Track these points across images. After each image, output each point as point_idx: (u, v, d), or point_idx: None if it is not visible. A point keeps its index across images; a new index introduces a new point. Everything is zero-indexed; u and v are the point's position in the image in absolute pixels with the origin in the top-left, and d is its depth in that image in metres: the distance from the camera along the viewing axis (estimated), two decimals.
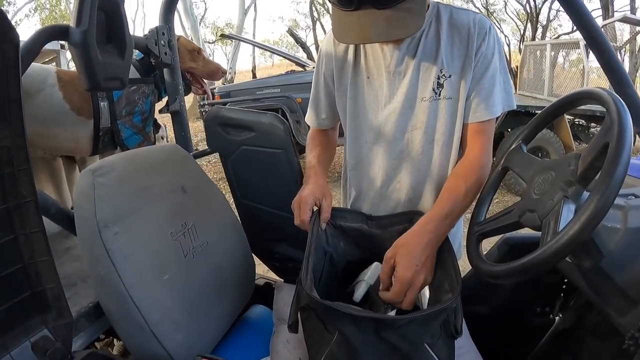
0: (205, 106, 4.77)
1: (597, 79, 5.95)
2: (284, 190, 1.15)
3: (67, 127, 1.47)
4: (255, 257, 1.29)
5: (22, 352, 0.66)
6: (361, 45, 0.98)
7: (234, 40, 10.01)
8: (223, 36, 6.86)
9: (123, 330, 0.88)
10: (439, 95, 0.92)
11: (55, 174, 1.73)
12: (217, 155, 1.32)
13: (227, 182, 1.37)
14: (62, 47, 3.15)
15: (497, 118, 0.94)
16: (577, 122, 5.12)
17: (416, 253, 0.78)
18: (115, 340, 1.26)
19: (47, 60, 4.04)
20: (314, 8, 15.41)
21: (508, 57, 11.48)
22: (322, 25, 16.16)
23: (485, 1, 14.77)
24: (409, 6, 0.77)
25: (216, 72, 1.69)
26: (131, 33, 1.01)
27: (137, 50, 1.43)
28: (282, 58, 5.87)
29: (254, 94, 4.89)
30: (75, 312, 0.92)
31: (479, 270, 0.72)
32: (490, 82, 0.90)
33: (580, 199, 0.63)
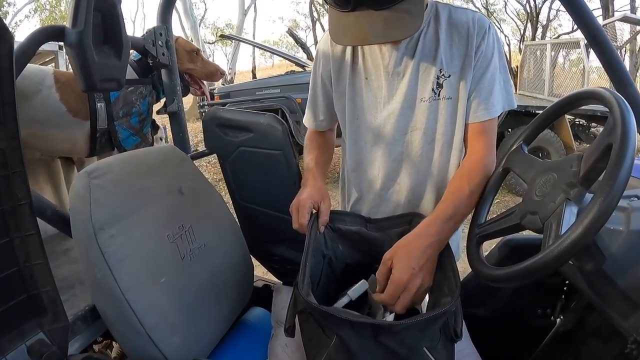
0: (205, 107, 4.78)
1: (597, 79, 5.94)
2: (282, 191, 1.14)
3: (64, 129, 1.46)
4: (254, 259, 1.28)
5: (18, 356, 0.65)
6: (359, 46, 0.97)
7: (233, 41, 10.02)
8: (223, 37, 6.86)
9: (119, 334, 0.87)
10: (439, 95, 0.91)
11: (53, 175, 1.73)
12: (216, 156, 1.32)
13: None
14: (61, 48, 3.15)
15: (497, 117, 0.94)
16: (578, 122, 5.12)
17: (415, 256, 0.76)
18: (114, 342, 1.26)
19: (46, 60, 4.04)
20: (313, 8, 15.42)
21: (508, 57, 11.48)
22: (322, 26, 16.18)
23: (485, 1, 14.77)
24: (407, 7, 0.76)
25: (215, 73, 1.68)
26: (131, 34, 1.01)
27: (135, 51, 1.42)
28: (282, 58, 5.87)
29: (253, 94, 4.89)
30: (72, 315, 0.91)
31: (480, 274, 0.71)
32: (490, 82, 0.90)
33: (582, 201, 0.62)
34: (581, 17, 0.97)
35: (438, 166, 0.97)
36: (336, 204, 1.03)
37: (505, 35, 14.79)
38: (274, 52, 6.38)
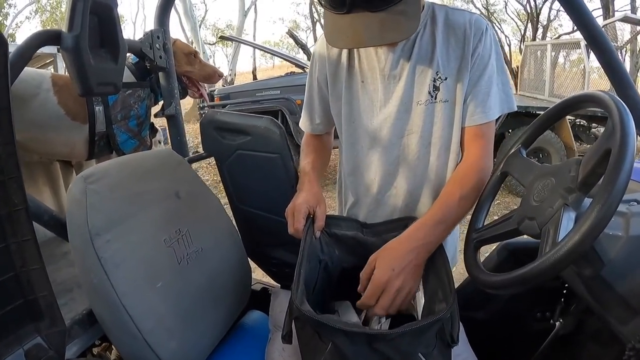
0: (205, 108, 4.78)
1: (598, 79, 5.92)
2: (280, 194, 1.13)
3: (62, 132, 1.46)
4: (252, 262, 1.28)
5: None
6: (355, 49, 0.96)
7: (234, 42, 10.03)
8: (222, 38, 6.86)
9: (116, 339, 0.87)
10: (435, 98, 0.90)
11: (52, 177, 1.73)
12: None
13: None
14: (59, 50, 3.14)
15: (497, 119, 0.93)
16: (578, 123, 5.11)
17: (397, 258, 0.77)
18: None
19: (46, 62, 4.05)
20: (313, 9, 15.42)
21: (509, 57, 11.47)
22: (322, 26, 16.14)
23: (485, 1, 14.76)
24: (403, 8, 0.75)
25: (213, 75, 1.68)
26: (132, 35, 1.00)
27: (133, 54, 1.42)
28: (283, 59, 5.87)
29: (253, 95, 4.89)
30: (70, 319, 0.91)
31: (476, 279, 0.71)
32: (487, 84, 0.89)
33: (580, 206, 0.61)
34: (581, 19, 0.96)
35: (435, 170, 0.96)
36: (333, 208, 1.02)
37: (506, 36, 14.77)
38: (273, 53, 6.38)
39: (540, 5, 12.06)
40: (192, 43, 9.68)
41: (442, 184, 0.96)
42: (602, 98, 0.66)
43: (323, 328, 0.64)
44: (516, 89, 6.64)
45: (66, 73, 1.36)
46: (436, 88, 0.90)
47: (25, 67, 1.01)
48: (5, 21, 17.08)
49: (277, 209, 1.02)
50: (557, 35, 13.27)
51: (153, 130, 1.75)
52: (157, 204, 0.95)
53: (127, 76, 1.46)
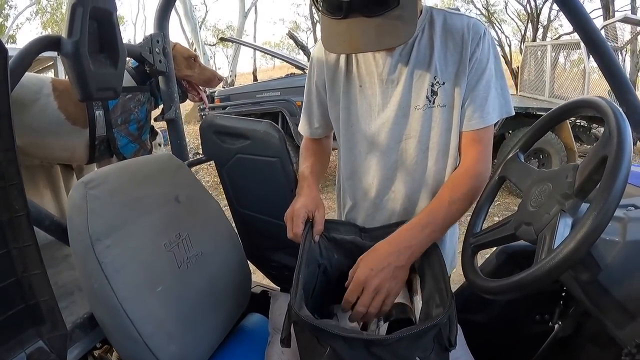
0: (205, 110, 4.78)
1: (598, 80, 5.91)
2: (279, 198, 1.14)
3: (63, 137, 1.47)
4: (251, 265, 1.28)
5: None
6: (352, 54, 0.96)
7: (234, 43, 10.03)
8: (223, 39, 6.86)
9: (117, 342, 0.87)
10: (433, 103, 0.90)
11: (53, 180, 1.73)
12: None
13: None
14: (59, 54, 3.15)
15: (496, 122, 0.93)
16: (579, 123, 5.11)
17: (377, 258, 0.80)
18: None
19: (46, 66, 4.05)
20: (313, 10, 15.42)
21: (509, 57, 11.46)
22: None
23: (485, 1, 14.75)
24: (400, 13, 0.75)
25: (212, 79, 1.68)
26: (132, 36, 1.01)
27: (132, 59, 1.43)
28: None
29: (253, 97, 4.89)
30: (71, 322, 0.91)
31: (473, 284, 0.71)
32: (485, 89, 0.88)
33: (577, 212, 0.62)
34: (580, 24, 0.97)
35: (433, 174, 0.96)
36: (333, 209, 1.03)
37: (506, 36, 14.76)
38: (273, 54, 6.38)
39: (541, 6, 12.06)
40: (192, 44, 9.70)
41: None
42: (599, 104, 0.66)
43: (321, 333, 0.64)
44: (516, 90, 6.65)
45: (66, 77, 1.36)
46: (434, 93, 0.90)
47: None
48: (5, 22, 17.13)
49: (276, 213, 1.03)
50: (557, 36, 13.25)
51: (153, 133, 1.76)
52: (157, 208, 0.95)
53: (127, 80, 1.47)
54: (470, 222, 0.85)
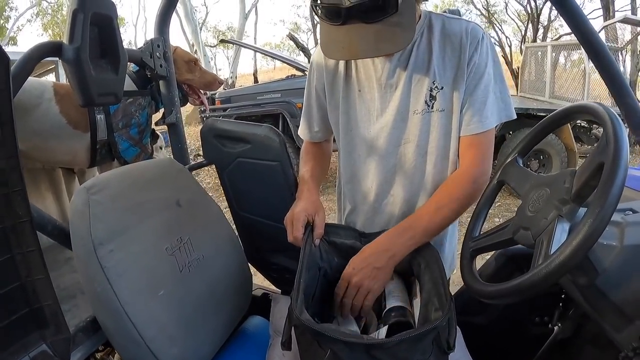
0: (206, 112, 4.79)
1: (599, 80, 5.91)
2: (280, 202, 1.14)
3: (64, 141, 1.47)
4: (252, 268, 1.29)
5: None
6: None
7: (234, 45, 10.04)
8: (223, 41, 6.87)
9: (119, 345, 0.88)
10: (432, 107, 0.91)
11: (55, 184, 1.74)
12: None
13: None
14: None
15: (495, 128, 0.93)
16: (579, 124, 5.10)
17: (360, 259, 0.87)
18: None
19: (48, 68, 4.06)
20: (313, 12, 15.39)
21: (509, 58, 11.45)
22: None
23: (485, 2, 14.74)
24: (398, 20, 0.76)
25: (213, 82, 1.69)
26: (133, 37, 1.01)
27: (133, 63, 1.43)
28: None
29: (254, 99, 4.90)
30: (74, 325, 0.92)
31: (471, 289, 0.72)
32: (483, 94, 0.88)
33: (575, 217, 0.62)
34: (578, 28, 0.97)
35: (432, 178, 0.96)
36: (333, 213, 1.03)
37: (507, 37, 14.75)
38: (273, 56, 6.39)
39: (541, 6, 12.04)
40: (193, 45, 9.71)
41: None
42: (597, 109, 0.66)
43: (322, 337, 0.65)
44: (517, 91, 6.65)
45: (67, 81, 1.37)
46: (433, 97, 0.90)
47: None
48: (6, 24, 17.17)
49: (277, 216, 1.03)
50: (557, 36, 13.23)
51: (154, 136, 1.76)
52: (158, 213, 0.96)
53: (128, 84, 1.47)
54: (469, 225, 0.86)
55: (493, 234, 0.78)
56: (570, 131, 4.36)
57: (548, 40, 12.00)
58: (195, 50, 9.52)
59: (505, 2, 15.02)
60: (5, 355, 0.66)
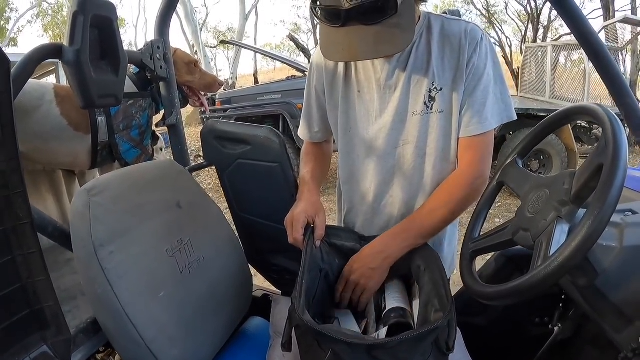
0: (206, 112, 4.79)
1: (599, 79, 5.89)
2: (280, 203, 1.15)
3: (65, 143, 1.48)
4: (252, 269, 1.29)
5: None
6: None
7: (235, 45, 10.05)
8: (223, 42, 6.87)
9: (120, 346, 0.88)
10: (431, 108, 0.91)
11: (55, 185, 1.74)
12: None
13: None
14: None
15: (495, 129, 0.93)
16: (579, 124, 5.10)
17: (357, 259, 0.92)
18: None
19: (49, 70, 4.06)
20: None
21: (509, 58, 11.44)
22: None
23: (486, 2, 14.73)
24: (397, 21, 0.76)
25: (213, 84, 1.69)
26: (133, 38, 1.02)
27: (134, 65, 1.43)
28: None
29: (254, 100, 4.90)
30: (75, 327, 0.93)
31: (470, 290, 0.72)
32: (483, 95, 0.88)
33: (574, 219, 0.62)
34: (577, 29, 0.97)
35: (431, 179, 0.96)
36: (333, 214, 1.04)
37: (507, 37, 14.73)
38: (274, 57, 6.39)
39: (541, 6, 12.03)
40: (193, 46, 9.71)
41: None
42: (596, 111, 0.67)
43: (324, 338, 0.65)
44: (517, 91, 6.65)
45: (67, 83, 1.37)
46: (432, 98, 0.90)
47: None
48: (7, 25, 17.19)
49: (277, 217, 1.03)
50: (557, 36, 13.23)
51: (154, 138, 1.76)
52: (158, 214, 0.96)
53: (129, 86, 1.48)
54: (469, 226, 0.86)
55: (493, 235, 0.78)
56: (571, 131, 4.35)
57: (548, 40, 11.99)
58: (196, 51, 9.53)
59: (506, 3, 15.00)
60: (6, 356, 0.66)
